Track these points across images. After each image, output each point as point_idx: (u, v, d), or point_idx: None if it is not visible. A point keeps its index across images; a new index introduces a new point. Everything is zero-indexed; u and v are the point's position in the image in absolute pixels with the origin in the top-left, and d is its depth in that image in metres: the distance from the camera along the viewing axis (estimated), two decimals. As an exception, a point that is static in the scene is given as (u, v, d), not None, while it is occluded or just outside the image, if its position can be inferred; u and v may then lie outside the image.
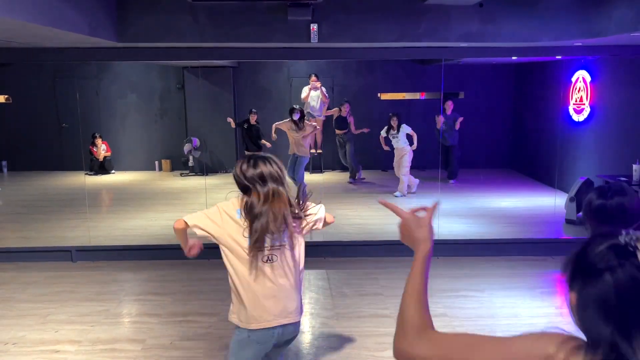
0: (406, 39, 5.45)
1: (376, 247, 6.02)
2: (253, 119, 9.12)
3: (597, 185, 6.69)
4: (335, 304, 4.76)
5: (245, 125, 9.10)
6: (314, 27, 5.27)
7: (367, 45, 5.84)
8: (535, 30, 5.41)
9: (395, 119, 8.48)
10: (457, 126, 9.27)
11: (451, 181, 9.42)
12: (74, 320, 4.47)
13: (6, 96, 9.01)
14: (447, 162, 9.42)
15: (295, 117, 8.04)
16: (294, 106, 8.25)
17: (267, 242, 2.50)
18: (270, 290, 2.53)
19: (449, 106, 9.34)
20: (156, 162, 10.80)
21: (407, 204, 6.72)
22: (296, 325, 2.67)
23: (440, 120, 9.20)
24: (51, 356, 3.89)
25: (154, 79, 10.92)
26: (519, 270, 5.48)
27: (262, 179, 2.50)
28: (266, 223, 2.45)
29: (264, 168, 2.51)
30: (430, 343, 1.19)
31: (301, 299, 2.72)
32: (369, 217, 7.40)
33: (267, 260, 2.52)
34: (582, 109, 8.07)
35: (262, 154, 2.64)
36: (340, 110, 9.28)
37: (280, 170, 2.57)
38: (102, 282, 5.34)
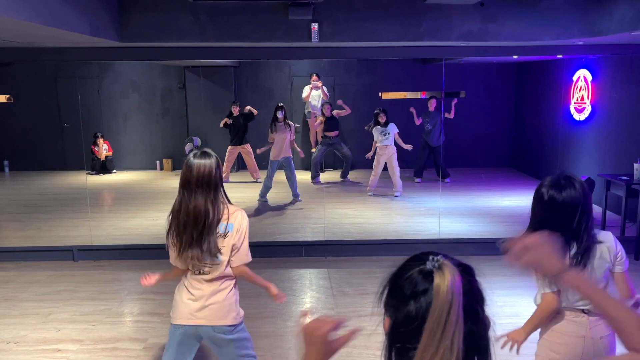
0: (407, 38, 5.45)
1: (377, 246, 6.02)
2: (235, 110, 9.05)
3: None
4: (337, 302, 4.76)
5: (230, 121, 9.05)
6: (314, 26, 5.28)
7: (368, 45, 5.84)
8: (537, 29, 5.41)
9: (383, 115, 8.19)
10: (452, 115, 9.00)
11: (446, 180, 9.38)
12: (75, 319, 4.48)
13: (7, 96, 9.03)
14: (435, 163, 9.35)
15: (280, 115, 7.79)
16: (278, 104, 7.94)
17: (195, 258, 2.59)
18: (189, 293, 2.69)
19: (432, 104, 9.20)
20: (157, 162, 10.81)
21: (399, 204, 6.60)
22: (212, 327, 2.67)
23: (416, 118, 9.11)
24: (53, 355, 3.91)
25: (155, 79, 10.93)
26: (519, 270, 5.46)
27: (188, 183, 2.57)
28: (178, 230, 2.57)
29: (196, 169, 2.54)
30: None
31: (229, 305, 2.70)
32: (370, 217, 7.41)
33: (198, 273, 2.66)
34: (583, 108, 8.06)
35: (206, 150, 2.62)
36: (323, 113, 8.97)
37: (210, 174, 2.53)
38: (103, 282, 5.36)
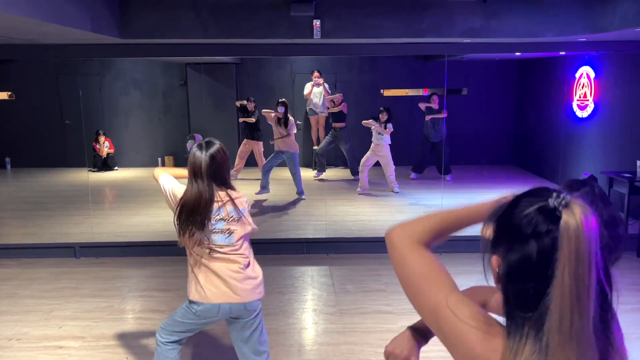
0: (409, 35, 5.43)
1: (379, 244, 5.99)
2: (251, 106, 9.03)
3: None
4: (338, 300, 4.76)
5: (245, 115, 9.01)
6: (316, 23, 5.26)
7: (370, 41, 5.83)
8: (539, 26, 5.39)
9: (385, 113, 8.21)
10: (444, 114, 8.96)
11: (447, 177, 9.35)
12: (77, 316, 4.48)
13: (9, 93, 9.02)
14: (436, 159, 9.34)
15: (281, 110, 7.79)
16: (280, 99, 7.94)
17: (212, 239, 2.72)
18: (217, 272, 2.74)
19: (435, 100, 9.15)
20: (159, 159, 10.81)
21: (401, 201, 6.57)
22: (244, 304, 2.79)
23: (423, 106, 9.08)
24: (55, 352, 3.91)
25: (157, 76, 10.92)
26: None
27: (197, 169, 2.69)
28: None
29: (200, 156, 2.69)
30: (410, 251, 1.13)
31: (255, 281, 2.83)
32: (372, 214, 7.40)
33: (216, 257, 2.74)
34: (586, 105, 8.04)
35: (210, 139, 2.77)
36: (334, 102, 8.98)
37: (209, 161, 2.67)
38: (105, 279, 5.36)
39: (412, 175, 9.36)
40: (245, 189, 8.57)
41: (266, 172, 7.97)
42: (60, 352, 3.91)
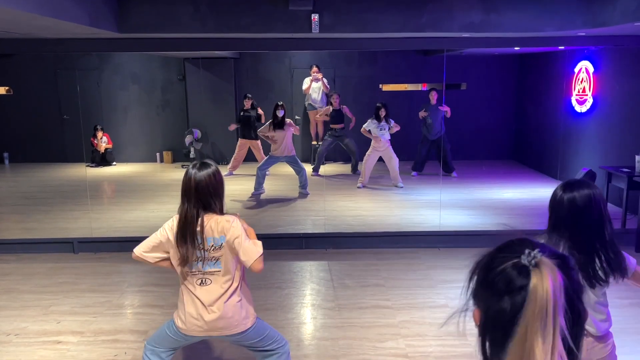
0: (408, 29, 5.41)
1: (378, 239, 6.02)
2: (247, 104, 9.02)
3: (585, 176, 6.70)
4: (337, 295, 4.76)
5: (241, 113, 9.01)
6: (315, 17, 5.24)
7: (369, 36, 5.81)
8: (539, 20, 5.37)
9: (383, 109, 8.22)
10: (448, 114, 8.88)
11: (453, 174, 9.30)
12: (76, 312, 4.48)
13: (7, 88, 8.99)
14: (439, 156, 9.32)
15: (280, 114, 7.74)
16: (278, 103, 7.89)
17: (197, 266, 2.71)
18: (200, 304, 2.75)
19: (433, 96, 9.10)
20: (157, 154, 10.80)
21: (400, 197, 6.58)
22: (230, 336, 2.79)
23: (423, 114, 9.05)
24: (53, 347, 3.91)
25: (155, 70, 10.89)
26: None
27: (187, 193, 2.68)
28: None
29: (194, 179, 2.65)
30: None
31: (240, 312, 2.76)
32: (371, 209, 7.40)
33: (200, 283, 2.74)
34: (585, 100, 8.03)
35: (207, 160, 2.73)
36: (331, 104, 8.97)
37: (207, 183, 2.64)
38: (104, 274, 5.36)
39: (413, 173, 9.36)
40: (242, 185, 8.56)
41: (261, 171, 7.98)
42: (59, 347, 3.91)
